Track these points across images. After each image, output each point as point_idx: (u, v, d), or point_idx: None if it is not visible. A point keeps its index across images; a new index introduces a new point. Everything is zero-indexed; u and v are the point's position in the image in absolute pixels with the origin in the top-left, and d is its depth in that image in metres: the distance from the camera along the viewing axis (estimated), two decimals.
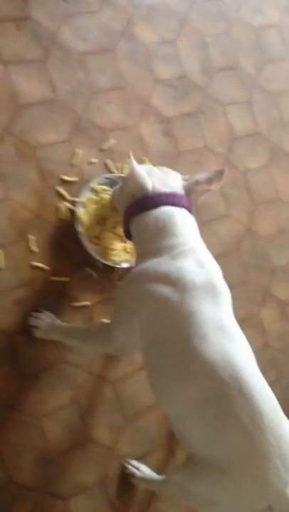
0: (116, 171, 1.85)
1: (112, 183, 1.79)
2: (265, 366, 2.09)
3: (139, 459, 1.78)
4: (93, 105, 1.85)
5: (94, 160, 1.82)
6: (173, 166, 1.98)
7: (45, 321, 1.62)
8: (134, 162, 1.47)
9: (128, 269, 1.82)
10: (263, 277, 2.14)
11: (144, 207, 1.46)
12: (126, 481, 1.75)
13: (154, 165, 1.94)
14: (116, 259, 1.75)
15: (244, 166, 2.15)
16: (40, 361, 1.65)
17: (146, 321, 1.37)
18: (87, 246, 1.71)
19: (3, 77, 1.70)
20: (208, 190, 1.53)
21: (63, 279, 1.72)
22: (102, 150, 1.84)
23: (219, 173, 1.50)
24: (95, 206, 1.74)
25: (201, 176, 1.52)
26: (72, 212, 1.75)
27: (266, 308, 2.12)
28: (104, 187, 1.77)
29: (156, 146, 1.96)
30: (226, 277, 2.04)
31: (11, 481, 1.57)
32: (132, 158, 1.49)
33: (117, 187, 1.67)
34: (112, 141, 1.86)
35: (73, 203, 1.76)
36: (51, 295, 1.69)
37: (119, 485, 1.74)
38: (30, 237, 1.68)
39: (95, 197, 1.75)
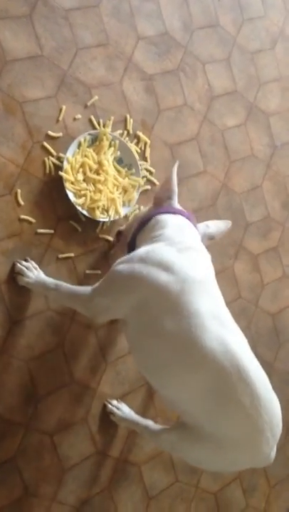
0: (99, 127, 1.91)
1: (95, 138, 1.85)
2: (238, 315, 2.23)
3: (120, 399, 1.92)
4: (78, 61, 1.90)
5: (78, 116, 1.88)
6: (154, 123, 2.05)
7: (29, 269, 1.70)
8: (174, 173, 1.64)
9: (111, 222, 1.91)
10: (236, 232, 2.25)
11: (167, 211, 1.61)
12: (107, 419, 1.89)
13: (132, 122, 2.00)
14: (99, 213, 1.83)
15: (222, 124, 2.23)
16: (28, 309, 1.75)
17: (139, 302, 1.43)
18: (73, 200, 1.79)
19: None
20: (211, 236, 1.72)
21: (49, 231, 1.80)
22: (86, 106, 1.90)
23: (226, 226, 1.73)
24: (81, 161, 1.81)
25: (211, 222, 1.73)
26: (57, 167, 1.82)
27: (239, 261, 2.25)
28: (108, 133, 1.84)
29: (138, 103, 2.02)
30: None
31: (1, 418, 1.70)
32: (175, 168, 1.64)
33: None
34: (96, 98, 1.91)
35: (59, 158, 1.82)
36: (37, 247, 1.78)
37: (101, 423, 1.88)
38: (18, 190, 1.75)
39: (80, 151, 1.82)
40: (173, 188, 1.65)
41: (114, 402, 1.88)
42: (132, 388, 1.95)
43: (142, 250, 1.50)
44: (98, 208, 1.84)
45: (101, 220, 1.83)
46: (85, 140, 1.83)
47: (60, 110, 1.84)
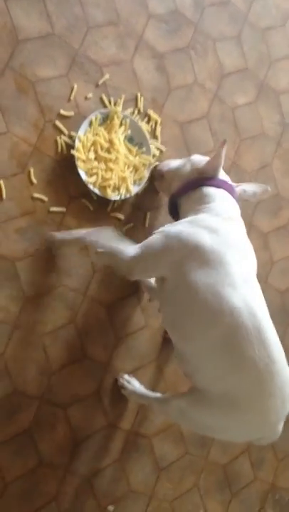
0: (110, 106, 1.93)
1: (106, 117, 1.87)
2: None
3: (130, 374, 1.97)
4: (89, 40, 1.90)
5: (90, 95, 1.89)
6: (164, 102, 2.06)
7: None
8: (223, 151, 1.68)
9: (122, 201, 1.93)
10: (246, 210, 2.27)
11: (212, 184, 1.69)
12: (118, 393, 1.94)
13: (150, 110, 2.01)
14: (111, 192, 1.86)
15: (232, 102, 2.23)
16: (41, 285, 1.79)
17: (183, 260, 1.52)
18: (84, 178, 1.81)
19: (4, 11, 1.73)
20: (247, 200, 1.80)
21: (61, 209, 1.83)
22: (97, 85, 1.91)
23: (264, 191, 1.79)
24: (92, 139, 1.83)
25: (249, 187, 1.80)
26: (69, 146, 1.84)
27: (250, 239, 2.27)
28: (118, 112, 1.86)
29: (148, 81, 2.02)
30: None
31: (15, 391, 1.75)
32: (225, 147, 1.68)
33: (175, 164, 1.85)
34: (107, 76, 1.93)
35: (71, 137, 1.84)
36: (50, 225, 1.81)
37: (112, 397, 1.93)
38: (31, 169, 1.77)
39: (92, 130, 1.84)
40: (220, 162, 1.71)
41: (126, 376, 1.93)
42: (142, 363, 1.99)
43: (188, 218, 1.61)
44: (109, 186, 1.86)
45: (112, 198, 1.86)
46: (96, 119, 1.85)
47: (72, 89, 1.86)
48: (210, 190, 1.69)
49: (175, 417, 1.64)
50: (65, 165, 1.84)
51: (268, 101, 2.34)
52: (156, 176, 1.93)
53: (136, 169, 1.92)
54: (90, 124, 1.85)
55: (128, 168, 1.90)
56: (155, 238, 1.59)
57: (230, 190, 1.72)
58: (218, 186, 1.71)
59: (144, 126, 1.99)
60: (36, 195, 1.78)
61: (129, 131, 1.92)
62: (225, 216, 1.61)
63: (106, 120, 1.88)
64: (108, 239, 1.66)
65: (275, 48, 2.36)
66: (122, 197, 1.88)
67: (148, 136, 1.97)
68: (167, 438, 2.04)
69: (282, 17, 2.38)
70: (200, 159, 1.79)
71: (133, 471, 1.97)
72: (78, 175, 1.83)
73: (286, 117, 2.39)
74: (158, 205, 2.02)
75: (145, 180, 1.93)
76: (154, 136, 2.03)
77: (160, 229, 1.63)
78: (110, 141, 1.87)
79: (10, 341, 1.74)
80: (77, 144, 1.81)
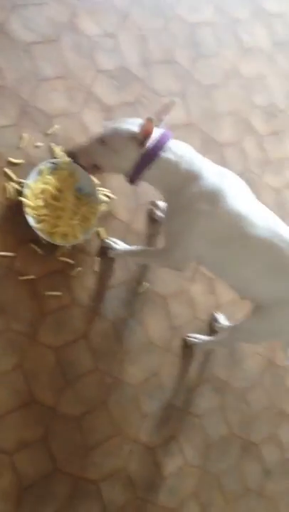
0: (60, 155, 1.99)
1: (56, 167, 1.93)
2: None
3: (76, 420, 1.96)
4: (39, 92, 1.98)
5: (39, 144, 1.95)
6: None
7: (117, 244, 2.03)
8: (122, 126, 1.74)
9: (70, 247, 1.97)
10: None
11: (162, 145, 1.74)
12: (66, 436, 1.93)
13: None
14: (59, 238, 1.90)
15: None
16: (62, 299, 1.79)
17: (201, 233, 1.75)
18: (33, 224, 1.85)
19: None
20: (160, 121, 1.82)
21: (10, 254, 1.85)
22: (47, 134, 1.98)
23: (167, 106, 1.77)
24: (41, 187, 1.88)
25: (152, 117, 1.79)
26: (18, 193, 1.88)
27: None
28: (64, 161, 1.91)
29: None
30: None
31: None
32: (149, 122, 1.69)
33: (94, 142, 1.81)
34: (56, 127, 2.00)
35: (20, 183, 1.89)
36: None
37: (60, 441, 1.91)
38: None
39: (41, 178, 1.89)
40: (163, 118, 1.78)
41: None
42: (90, 407, 1.99)
43: (184, 200, 1.75)
44: (58, 233, 1.90)
45: (60, 244, 1.90)
46: (46, 168, 1.91)
47: (22, 138, 1.92)
48: (169, 155, 1.74)
49: (243, 339, 1.98)
50: (14, 210, 1.87)
51: (210, 151, 2.45)
52: (82, 158, 1.87)
53: (84, 217, 1.97)
54: (40, 172, 1.90)
55: (76, 216, 1.95)
56: (176, 223, 1.77)
57: (165, 139, 1.75)
58: (164, 143, 1.74)
59: (93, 177, 2.05)
60: None
61: (78, 181, 1.98)
62: (201, 173, 1.74)
63: (56, 169, 1.94)
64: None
65: (218, 104, 2.50)
66: (70, 244, 1.92)
67: (97, 185, 2.03)
68: (116, 482, 2.03)
69: (224, 76, 2.53)
70: (126, 127, 1.75)
71: None
72: (26, 221, 1.87)
73: (228, 167, 2.50)
74: (106, 251, 2.07)
75: (93, 227, 1.98)
76: (104, 184, 2.10)
77: (169, 222, 1.79)
78: (59, 190, 1.93)
79: None
80: (26, 191, 1.86)
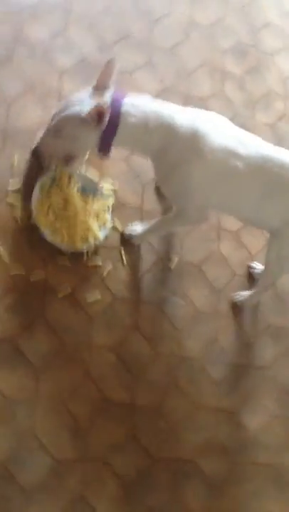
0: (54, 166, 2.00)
1: (54, 178, 1.94)
2: None
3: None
4: (13, 112, 1.98)
5: None
6: None
7: (137, 228, 2.03)
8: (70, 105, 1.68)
9: (94, 249, 1.99)
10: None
11: (115, 124, 1.67)
12: (152, 427, 1.97)
13: None
14: (81, 243, 1.92)
15: None
16: (46, 352, 1.83)
17: (200, 182, 1.75)
18: (50, 240, 1.87)
19: None
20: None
21: (41, 276, 1.88)
22: None
23: (108, 68, 1.69)
24: (47, 202, 1.90)
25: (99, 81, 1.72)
26: (28, 216, 1.90)
27: None
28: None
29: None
30: None
31: (55, 461, 1.77)
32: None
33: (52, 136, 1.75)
34: None
35: (26, 206, 1.91)
36: (35, 293, 1.86)
37: (149, 435, 1.96)
38: (0, 248, 1.83)
39: (44, 194, 1.90)
40: (108, 82, 1.70)
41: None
42: (165, 391, 2.03)
43: (179, 154, 1.71)
44: (77, 239, 1.92)
45: (84, 249, 1.92)
46: (45, 183, 1.92)
47: (13, 161, 1.93)
48: (131, 118, 1.67)
49: (281, 269, 1.99)
50: (30, 234, 1.89)
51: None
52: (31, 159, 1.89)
53: (97, 215, 1.99)
54: (41, 188, 1.91)
55: (89, 216, 1.96)
56: (177, 184, 1.76)
57: (120, 95, 1.69)
58: (119, 106, 1.66)
59: (92, 173, 2.06)
60: (13, 272, 1.84)
61: (79, 184, 1.99)
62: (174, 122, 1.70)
63: (55, 180, 1.94)
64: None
65: (188, 61, 2.46)
66: (93, 245, 1.94)
67: (98, 181, 2.03)
68: (211, 454, 2.07)
69: (184, 32, 2.49)
70: (75, 111, 1.68)
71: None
72: (45, 238, 1.89)
73: None
74: (129, 241, 2.08)
75: (109, 222, 1.99)
76: (104, 178, 2.10)
77: (168, 184, 1.78)
78: (65, 199, 1.94)
79: (36, 416, 1.77)
80: (35, 211, 1.87)
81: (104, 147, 1.72)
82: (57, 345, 1.86)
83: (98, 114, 1.62)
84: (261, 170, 1.78)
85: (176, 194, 1.80)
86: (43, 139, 1.76)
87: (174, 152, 1.72)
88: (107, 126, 1.67)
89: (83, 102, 1.67)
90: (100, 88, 1.70)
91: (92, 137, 1.70)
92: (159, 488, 1.94)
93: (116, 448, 1.89)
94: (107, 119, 1.64)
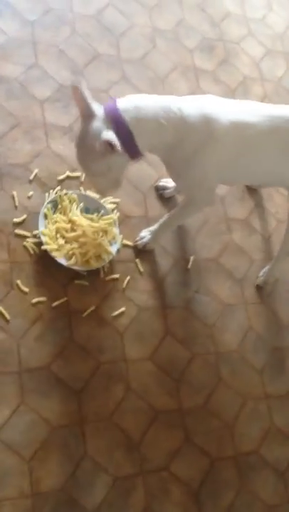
0: (54, 193, 2.02)
1: (56, 204, 1.96)
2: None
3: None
4: (3, 150, 2.01)
5: (30, 193, 1.98)
6: None
7: (147, 234, 2.05)
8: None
9: (109, 264, 1.99)
10: None
11: (127, 130, 1.64)
12: (204, 427, 1.94)
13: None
14: (95, 262, 1.92)
15: None
16: (83, 374, 1.82)
17: (216, 163, 1.78)
18: (65, 264, 1.88)
19: None
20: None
21: (62, 300, 1.88)
22: (31, 181, 2.01)
23: (76, 92, 1.66)
24: (53, 228, 1.91)
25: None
26: (39, 244, 1.91)
27: None
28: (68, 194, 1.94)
29: (72, 155, 2.13)
30: None
31: (116, 479, 1.74)
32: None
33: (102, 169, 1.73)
34: (36, 170, 2.03)
35: (35, 235, 1.92)
36: (61, 318, 1.86)
37: (202, 434, 1.93)
38: (17, 281, 1.84)
39: (50, 220, 1.92)
40: (90, 104, 1.66)
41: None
42: (211, 389, 2.00)
43: (194, 144, 1.73)
44: (91, 258, 1.93)
45: (99, 267, 1.92)
46: (48, 209, 1.94)
47: (13, 197, 1.95)
48: (132, 121, 1.64)
49: None
50: (44, 262, 1.91)
51: None
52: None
53: (105, 231, 2.00)
54: (46, 216, 1.93)
55: (98, 234, 1.98)
56: (199, 179, 1.79)
57: (111, 105, 1.66)
58: (116, 115, 1.64)
59: (91, 192, 2.07)
60: (34, 300, 1.84)
61: (81, 204, 2.00)
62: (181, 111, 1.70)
63: (57, 206, 1.97)
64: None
65: (158, 68, 2.49)
66: (107, 261, 1.94)
67: (99, 198, 2.05)
68: (272, 442, 2.03)
69: (149, 40, 2.53)
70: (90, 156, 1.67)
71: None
72: (59, 263, 1.90)
73: None
74: (141, 250, 2.08)
75: (118, 236, 2.00)
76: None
77: (182, 167, 1.78)
78: (70, 221, 1.96)
79: (86, 438, 1.75)
80: (44, 238, 1.89)
81: (133, 154, 1.69)
82: (92, 364, 1.85)
83: (106, 144, 1.59)
84: (273, 130, 1.81)
85: (193, 183, 1.82)
86: (94, 184, 1.76)
87: (190, 142, 1.72)
88: (122, 139, 1.64)
89: (95, 134, 1.65)
90: (87, 113, 1.67)
91: (120, 157, 1.67)
92: (227, 485, 1.90)
93: (173, 455, 1.86)
94: (116, 141, 1.58)
